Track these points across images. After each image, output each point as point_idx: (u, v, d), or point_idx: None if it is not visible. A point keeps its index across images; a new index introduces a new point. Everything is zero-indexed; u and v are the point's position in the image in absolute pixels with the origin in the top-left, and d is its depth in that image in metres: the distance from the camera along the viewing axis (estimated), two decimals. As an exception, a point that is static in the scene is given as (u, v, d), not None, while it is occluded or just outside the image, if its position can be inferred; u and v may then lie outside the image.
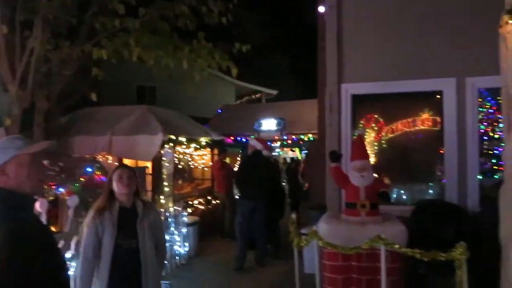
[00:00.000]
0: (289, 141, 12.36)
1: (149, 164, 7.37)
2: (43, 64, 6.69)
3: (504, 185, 2.94)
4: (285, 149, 14.55)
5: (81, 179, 5.61)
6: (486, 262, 3.70)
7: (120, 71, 11.48)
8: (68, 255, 3.94)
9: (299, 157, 14.18)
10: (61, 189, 5.38)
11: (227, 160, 9.50)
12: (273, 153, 12.42)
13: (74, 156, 7.03)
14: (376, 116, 6.06)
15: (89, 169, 5.83)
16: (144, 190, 6.92)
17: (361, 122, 6.05)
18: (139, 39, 6.42)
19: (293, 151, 15.39)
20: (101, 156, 7.65)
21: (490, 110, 6.15)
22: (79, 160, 6.43)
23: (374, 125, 6.09)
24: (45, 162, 5.32)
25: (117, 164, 7.60)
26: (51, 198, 5.29)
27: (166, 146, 7.30)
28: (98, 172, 5.92)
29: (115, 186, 2.91)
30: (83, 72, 7.15)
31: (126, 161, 7.77)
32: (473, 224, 4.65)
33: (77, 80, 7.34)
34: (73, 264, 3.95)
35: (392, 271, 4.16)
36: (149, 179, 7.35)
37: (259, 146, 6.74)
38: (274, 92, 20.66)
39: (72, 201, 5.02)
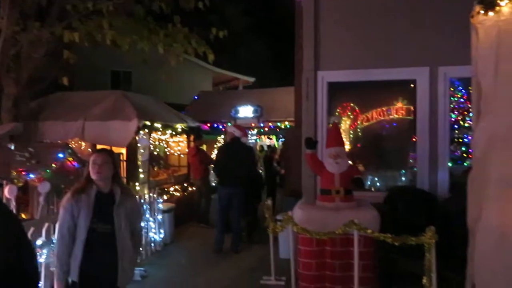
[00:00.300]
0: (266, 129, 12.39)
1: (123, 151, 7.25)
2: (11, 47, 6.43)
3: (472, 172, 3.04)
4: (262, 136, 14.57)
5: (52, 165, 5.46)
6: (454, 245, 3.84)
7: (93, 56, 11.16)
8: (39, 242, 3.85)
9: (276, 145, 14.24)
10: (32, 175, 5.23)
11: (204, 147, 9.44)
12: (249, 140, 12.49)
13: (45, 141, 6.84)
14: (352, 104, 6.13)
15: (60, 155, 5.68)
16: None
17: (337, 110, 6.12)
18: (112, 22, 6.25)
19: (270, 138, 15.43)
20: (74, 142, 7.48)
21: (461, 100, 6.32)
22: (50, 146, 6.25)
23: (350, 113, 6.16)
24: (12, 146, 5.17)
25: (91, 150, 7.48)
26: (20, 184, 5.14)
27: (141, 132, 7.19)
28: (70, 158, 5.77)
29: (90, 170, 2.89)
30: (54, 56, 6.92)
31: (100, 148, 7.64)
32: (443, 209, 4.79)
33: (47, 64, 7.11)
34: (44, 251, 3.87)
35: (365, 255, 4.26)
36: (123, 165, 7.24)
37: (237, 133, 6.75)
38: (252, 79, 20.58)
39: (43, 187, 4.90)
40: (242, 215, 6.83)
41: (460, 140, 6.13)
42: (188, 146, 9.36)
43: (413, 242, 3.65)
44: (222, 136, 13.41)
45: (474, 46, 3.01)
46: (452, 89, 5.63)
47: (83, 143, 7.52)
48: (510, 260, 2.40)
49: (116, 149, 7.23)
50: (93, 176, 2.86)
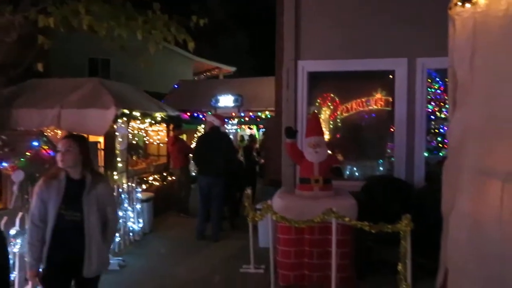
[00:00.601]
0: (247, 118, 12.36)
1: (101, 139, 7.12)
2: (-18, 31, 6.19)
3: (447, 161, 3.10)
4: (242, 126, 14.54)
5: (26, 153, 5.32)
6: (429, 233, 3.93)
7: (70, 42, 10.87)
8: (12, 232, 3.76)
9: (257, 135, 14.24)
10: (5, 164, 5.09)
11: (184, 136, 9.36)
12: (228, 130, 12.49)
13: (19, 129, 6.65)
14: (332, 95, 6.17)
15: (35, 143, 5.54)
16: (96, 166, 6.70)
17: (318, 100, 6.15)
18: (89, 7, 6.06)
19: (250, 128, 15.42)
20: (49, 131, 7.30)
21: (438, 91, 6.44)
22: (24, 134, 6.08)
23: (330, 104, 6.21)
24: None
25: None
26: (-7, 173, 5.01)
27: (119, 120, 7.06)
28: (45, 147, 5.63)
29: None
30: (28, 41, 6.68)
31: (67, 134, 7.46)
32: (418, 198, 4.90)
33: (21, 49, 6.87)
34: (18, 241, 3.79)
35: (342, 243, 4.33)
36: (101, 154, 7.12)
37: (216, 122, 6.72)
38: (233, 69, 20.46)
39: (17, 176, 4.77)
40: (224, 203, 6.92)
41: (436, 131, 6.27)
42: (168, 135, 9.27)
43: (389, 230, 3.72)
44: (202, 126, 13.34)
45: (451, 37, 3.06)
46: (429, 80, 5.73)
47: (59, 131, 7.34)
48: (482, 246, 2.48)
49: (93, 138, 7.10)
50: (58, 163, 2.80)
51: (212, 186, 6.54)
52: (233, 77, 19.10)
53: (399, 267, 3.59)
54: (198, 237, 6.60)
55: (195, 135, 13.47)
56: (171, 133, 8.93)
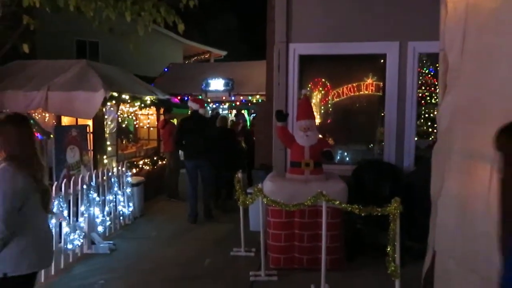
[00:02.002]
0: (238, 103, 12.27)
1: (90, 122, 7.03)
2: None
3: (436, 145, 3.12)
4: (233, 111, 14.45)
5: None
6: (417, 216, 3.98)
7: (57, 24, 10.62)
8: None
9: (248, 120, 14.15)
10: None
11: (174, 120, 9.29)
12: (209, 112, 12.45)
13: (5, 112, 6.53)
14: (323, 80, 6.14)
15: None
16: (86, 150, 6.63)
17: (309, 85, 6.12)
18: (76, -13, 5.89)
19: (241, 113, 15.31)
20: (37, 113, 7.18)
21: (429, 75, 6.44)
22: (11, 117, 5.98)
23: (321, 88, 6.18)
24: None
25: (55, 122, 7.21)
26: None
27: (108, 103, 6.97)
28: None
29: None
30: (12, 21, 6.52)
31: (65, 119, 7.37)
32: (408, 181, 4.94)
33: (5, 30, 6.69)
34: None
35: (333, 226, 4.37)
36: (90, 138, 7.03)
37: (194, 106, 6.84)
38: (223, 52, 20.24)
39: (4, 159, 4.67)
40: (221, 185, 7.31)
41: (427, 115, 6.29)
42: (158, 119, 9.19)
43: (378, 213, 3.75)
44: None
45: (443, 20, 3.04)
46: (421, 64, 5.73)
47: (47, 114, 7.23)
48: (469, 228, 2.51)
49: (82, 121, 7.01)
50: None
51: (199, 168, 6.70)
52: (224, 61, 18.90)
53: (388, 249, 3.63)
54: (190, 220, 6.64)
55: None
56: (162, 117, 8.87)
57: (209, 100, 12.05)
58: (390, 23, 5.48)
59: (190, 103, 6.97)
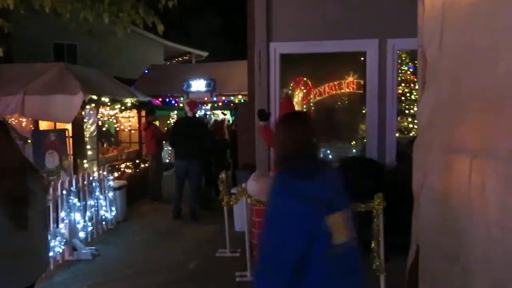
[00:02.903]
0: (220, 103, 12.21)
1: (69, 126, 6.89)
2: None
3: (417, 140, 3.14)
4: (215, 111, 14.37)
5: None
6: (400, 211, 4.01)
7: (34, 26, 10.40)
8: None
9: (231, 120, 14.11)
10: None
11: (157, 123, 9.19)
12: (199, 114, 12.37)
13: (-19, 118, 6.35)
14: (305, 78, 6.16)
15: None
16: (65, 154, 6.49)
17: (291, 84, 6.13)
18: (51, -13, 5.76)
19: (224, 114, 15.26)
20: (14, 119, 7.00)
21: (408, 72, 6.53)
22: (-14, 123, 5.81)
23: (303, 87, 6.20)
24: None
25: (32, 127, 7.04)
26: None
27: (87, 107, 6.84)
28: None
29: None
30: (-15, 23, 6.32)
31: (43, 124, 7.21)
32: (390, 177, 4.99)
33: (-21, 33, 6.49)
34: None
35: (317, 224, 4.36)
36: (69, 142, 6.89)
37: (187, 108, 7.15)
38: (205, 53, 20.13)
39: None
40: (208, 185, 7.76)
41: (407, 112, 6.37)
42: (139, 122, 9.08)
43: (362, 209, 3.77)
44: (176, 112, 13.10)
45: (421, 16, 3.06)
46: (400, 61, 5.79)
47: (24, 119, 7.06)
48: (451, 220, 2.53)
49: (60, 125, 6.87)
50: None
51: (189, 168, 6.90)
52: (206, 62, 18.80)
53: (373, 245, 3.66)
54: (175, 215, 6.91)
55: (168, 122, 13.25)
56: (144, 119, 8.77)
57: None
58: (369, 21, 5.53)
59: (185, 106, 7.34)
